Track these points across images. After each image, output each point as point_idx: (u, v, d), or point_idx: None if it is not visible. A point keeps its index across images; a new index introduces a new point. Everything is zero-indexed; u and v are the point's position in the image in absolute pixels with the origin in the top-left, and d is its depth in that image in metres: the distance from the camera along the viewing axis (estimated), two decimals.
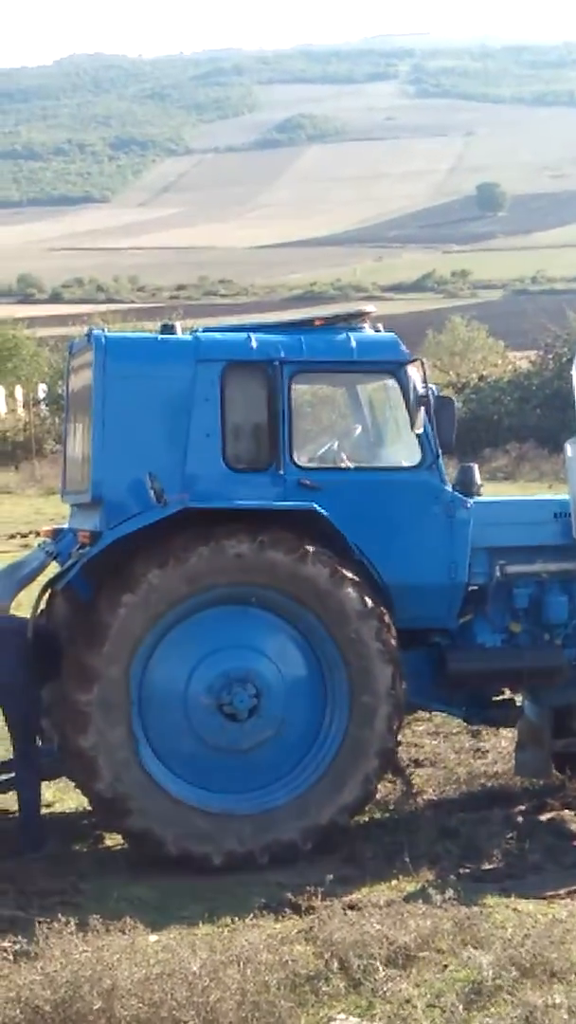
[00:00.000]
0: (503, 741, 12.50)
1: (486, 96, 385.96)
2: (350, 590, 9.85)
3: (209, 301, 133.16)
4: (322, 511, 9.92)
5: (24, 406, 53.24)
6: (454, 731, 13.09)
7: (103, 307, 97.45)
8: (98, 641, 9.61)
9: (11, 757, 10.46)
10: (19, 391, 55.38)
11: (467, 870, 9.57)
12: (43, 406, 52.43)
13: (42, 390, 54.49)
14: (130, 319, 70.85)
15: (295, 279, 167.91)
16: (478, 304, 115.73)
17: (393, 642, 9.94)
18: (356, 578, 9.91)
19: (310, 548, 9.80)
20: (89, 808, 10.48)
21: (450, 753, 12.58)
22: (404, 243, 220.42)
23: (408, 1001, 7.20)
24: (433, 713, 12.56)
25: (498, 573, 10.83)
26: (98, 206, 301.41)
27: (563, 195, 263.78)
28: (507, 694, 11.27)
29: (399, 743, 10.37)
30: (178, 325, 10.78)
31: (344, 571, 9.86)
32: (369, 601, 9.89)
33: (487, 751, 12.57)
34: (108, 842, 10.44)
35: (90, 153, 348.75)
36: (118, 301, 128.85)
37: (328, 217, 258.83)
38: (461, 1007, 7.12)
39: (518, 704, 11.27)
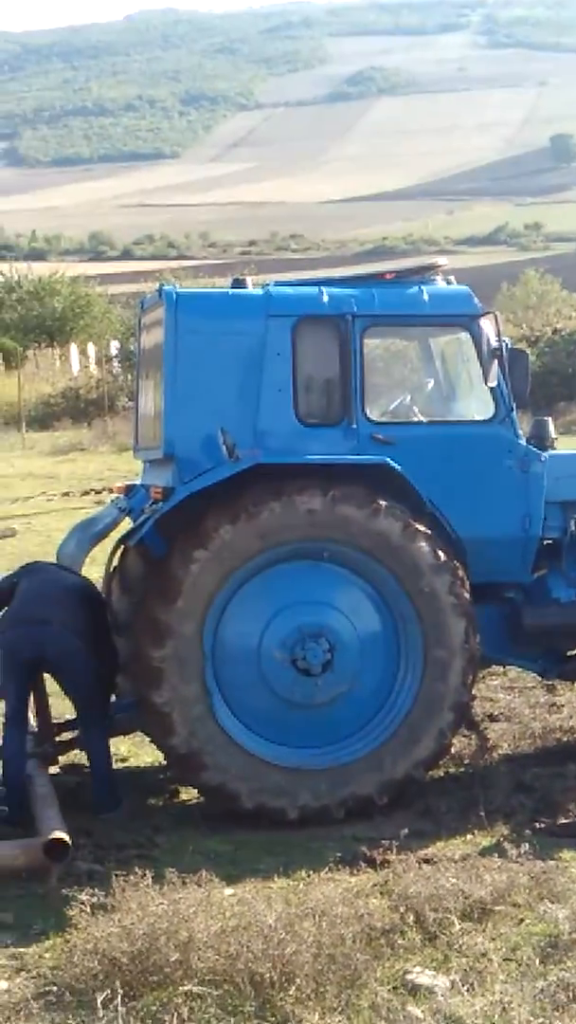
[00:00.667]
0: None
1: (559, 45, 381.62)
2: (423, 544, 9.81)
3: (280, 256, 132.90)
4: (395, 465, 9.87)
5: (96, 363, 53.38)
6: (529, 685, 13.04)
7: (174, 263, 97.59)
8: (171, 597, 9.63)
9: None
10: (91, 348, 55.52)
11: (542, 824, 9.52)
12: (115, 363, 52.48)
13: (114, 347, 54.52)
14: (201, 275, 70.77)
15: (366, 233, 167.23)
16: (551, 257, 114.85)
17: (467, 595, 9.90)
18: (429, 532, 9.87)
19: (382, 502, 9.76)
20: (164, 763, 10.53)
21: (525, 708, 12.53)
22: (476, 196, 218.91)
23: (484, 955, 7.18)
24: (507, 667, 12.52)
25: (573, 527, 10.75)
26: (168, 162, 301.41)
27: None
28: None
29: (473, 697, 10.33)
30: (249, 280, 10.73)
31: (417, 525, 9.81)
32: (442, 555, 9.84)
33: (562, 706, 12.51)
34: (183, 796, 10.48)
35: (160, 109, 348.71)
36: (189, 257, 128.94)
37: (399, 171, 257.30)
38: (537, 961, 7.10)
39: None
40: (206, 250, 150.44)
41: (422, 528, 9.82)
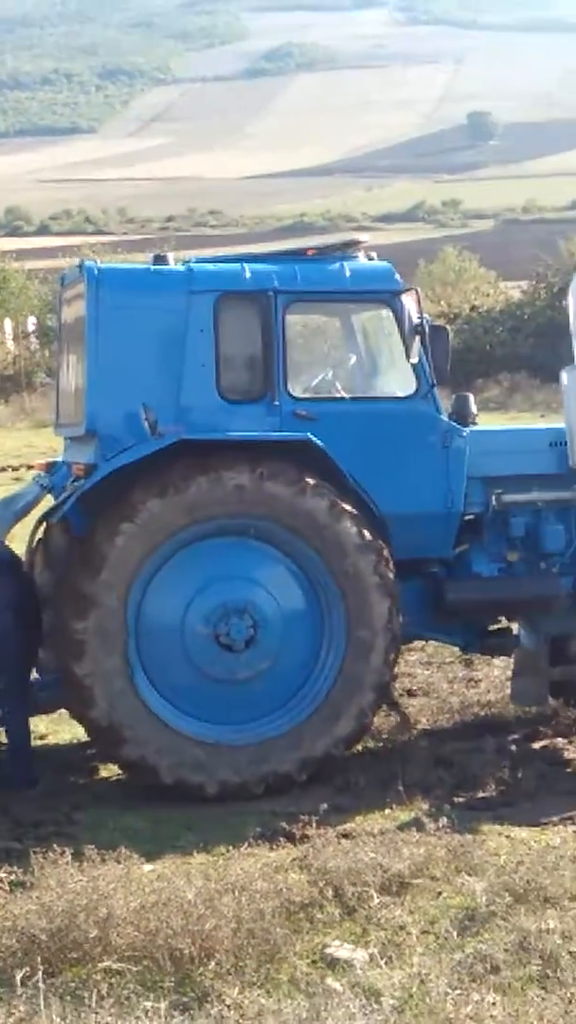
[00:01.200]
0: (496, 670, 12.54)
1: (476, 23, 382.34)
2: (348, 523, 9.83)
3: (199, 232, 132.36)
4: (317, 441, 9.88)
5: (13, 339, 52.98)
6: (447, 661, 13.12)
7: (92, 239, 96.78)
8: (95, 569, 9.60)
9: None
10: (8, 324, 55.07)
11: (461, 798, 9.62)
12: (33, 339, 52.15)
13: (31, 323, 54.17)
14: (119, 251, 70.34)
15: (284, 209, 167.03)
16: (469, 234, 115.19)
17: (391, 576, 9.94)
18: (355, 511, 9.90)
19: (310, 481, 9.77)
20: (84, 740, 10.50)
21: (443, 683, 12.61)
22: (394, 173, 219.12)
23: (402, 928, 7.24)
24: (426, 643, 12.59)
25: (494, 502, 10.82)
26: (85, 137, 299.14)
27: (554, 123, 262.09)
28: (504, 623, 11.28)
29: (395, 676, 10.39)
30: (170, 256, 10.70)
31: (343, 504, 9.84)
32: (367, 534, 9.88)
33: (480, 680, 12.61)
34: (103, 773, 10.47)
35: (77, 83, 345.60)
36: (107, 233, 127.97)
37: (317, 147, 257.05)
38: (455, 933, 7.16)
39: (515, 633, 11.28)
40: (124, 225, 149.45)
41: (348, 507, 9.85)
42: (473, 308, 51.05)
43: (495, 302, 52.39)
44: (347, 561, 9.85)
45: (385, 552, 9.96)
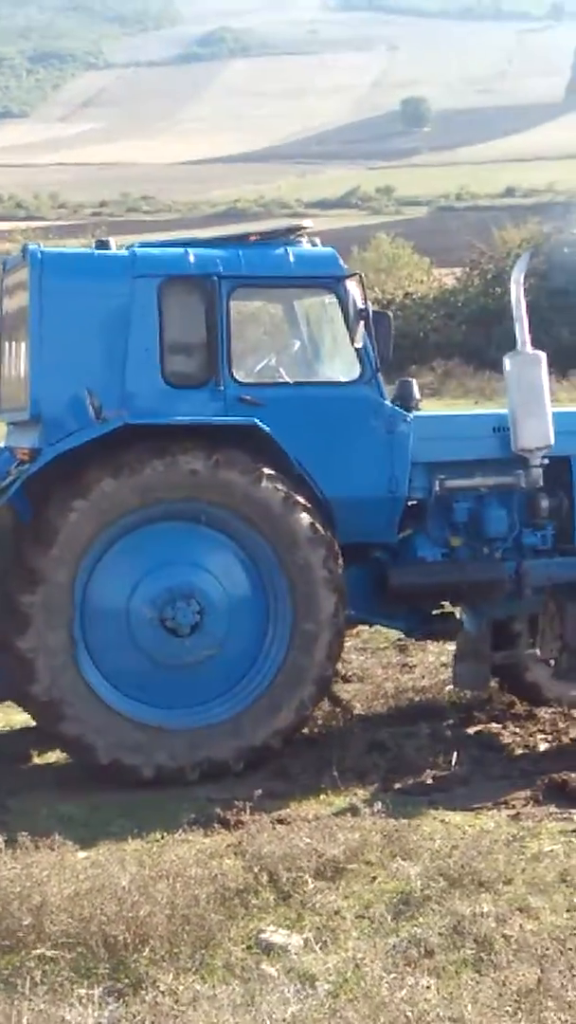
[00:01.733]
0: (430, 656, 12.59)
1: (410, 9, 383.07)
2: (301, 515, 9.84)
3: (132, 218, 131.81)
4: (263, 426, 9.87)
5: None
6: (381, 646, 13.16)
7: (23, 224, 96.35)
8: (46, 544, 9.57)
9: None
10: None
11: (395, 783, 9.64)
12: None
13: None
14: (51, 236, 69.98)
15: (218, 195, 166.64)
16: (403, 221, 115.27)
17: (339, 571, 9.97)
18: (307, 504, 9.90)
19: (265, 470, 9.77)
20: (16, 728, 10.45)
21: (377, 668, 12.65)
22: (328, 159, 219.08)
23: (337, 913, 7.24)
24: (360, 629, 12.61)
25: (437, 488, 10.83)
26: (17, 121, 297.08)
27: (488, 111, 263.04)
28: (447, 608, 11.30)
29: (337, 671, 10.41)
30: (112, 241, 10.66)
31: (297, 496, 9.85)
32: (320, 528, 9.89)
33: (415, 666, 12.65)
34: (36, 760, 10.42)
35: (8, 67, 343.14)
36: (39, 218, 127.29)
37: (251, 133, 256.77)
38: (390, 918, 7.17)
39: (458, 618, 11.31)
40: (56, 211, 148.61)
41: (302, 500, 9.85)
42: (407, 295, 51.18)
43: (429, 289, 52.57)
44: (298, 554, 9.86)
45: (335, 547, 9.98)
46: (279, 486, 9.82)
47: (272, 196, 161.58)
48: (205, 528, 9.99)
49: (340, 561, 10.01)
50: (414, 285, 53.49)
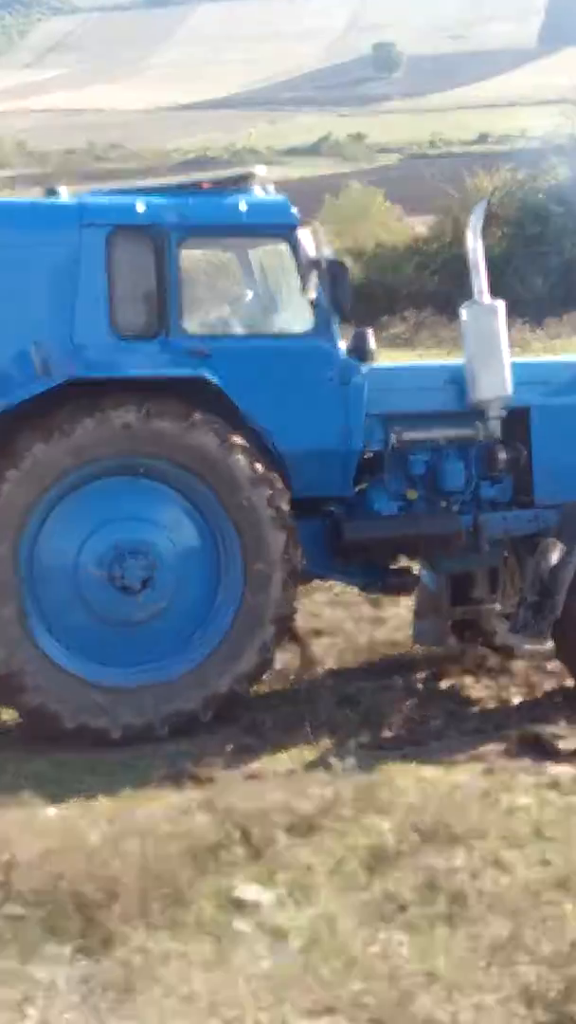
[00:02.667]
0: (402, 610, 12.53)
1: None
2: (240, 457, 9.75)
3: (100, 166, 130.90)
4: (212, 378, 9.77)
5: None
6: (353, 600, 13.11)
7: None
8: None
9: None
10: None
11: (368, 738, 9.63)
12: None
13: None
14: (19, 186, 69.47)
15: (188, 143, 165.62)
16: (375, 168, 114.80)
17: (286, 508, 9.88)
18: (246, 444, 9.81)
19: (198, 416, 9.67)
20: None
21: (349, 622, 12.60)
22: (298, 105, 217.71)
23: (309, 869, 7.22)
24: (332, 582, 12.56)
25: (394, 440, 10.73)
26: None
27: (460, 56, 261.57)
28: (404, 562, 11.23)
29: (295, 610, 10.35)
30: (63, 190, 10.52)
31: (234, 438, 9.75)
32: (260, 467, 9.81)
33: (387, 620, 12.61)
34: (4, 716, 10.36)
35: None
36: (5, 166, 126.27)
37: (220, 79, 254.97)
38: (362, 873, 7.17)
39: (415, 572, 11.26)
40: (23, 159, 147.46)
41: (239, 441, 9.76)
42: (379, 244, 50.94)
43: (401, 237, 52.30)
44: (241, 495, 9.78)
45: (279, 485, 9.90)
46: (214, 430, 9.71)
47: (243, 143, 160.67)
48: (146, 481, 9.91)
49: (287, 499, 9.93)
50: (387, 234, 53.24)
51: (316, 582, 12.19)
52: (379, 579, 11.06)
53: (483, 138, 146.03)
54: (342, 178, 77.15)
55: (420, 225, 53.74)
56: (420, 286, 46.65)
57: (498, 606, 10.99)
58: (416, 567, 11.30)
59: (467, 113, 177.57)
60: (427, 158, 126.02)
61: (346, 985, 5.88)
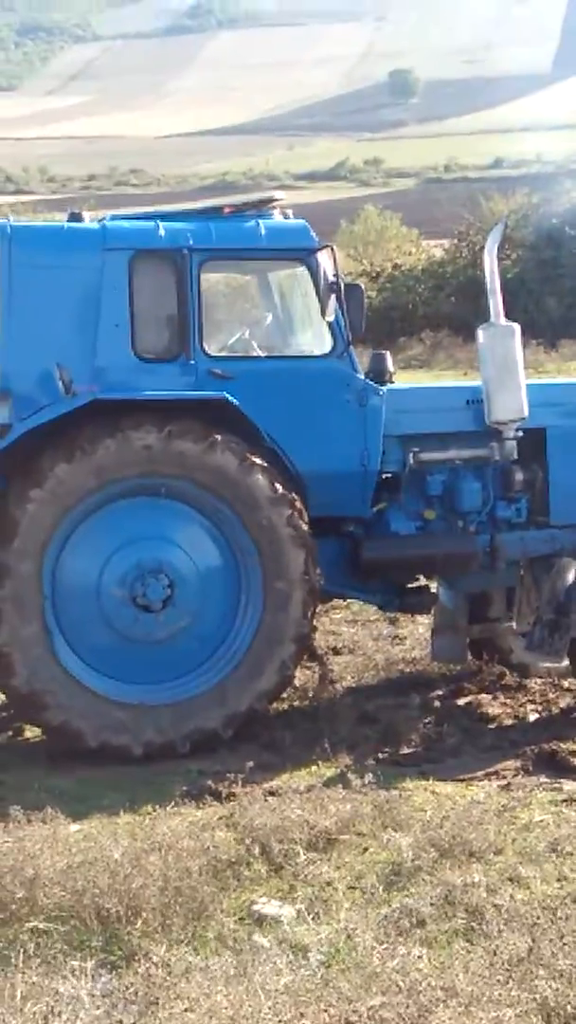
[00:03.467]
0: (420, 628, 12.59)
1: None
2: (260, 477, 9.82)
3: (121, 192, 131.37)
4: (233, 400, 9.86)
5: None
6: (372, 618, 13.16)
7: (12, 198, 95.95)
8: (8, 537, 9.55)
9: None
10: None
11: (386, 755, 9.68)
12: None
13: None
14: (40, 210, 69.70)
15: (207, 168, 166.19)
16: (391, 193, 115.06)
17: (305, 527, 9.94)
18: (265, 464, 9.88)
19: (218, 437, 9.75)
20: (6, 701, 10.44)
21: (368, 640, 12.66)
22: (316, 131, 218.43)
23: (329, 884, 7.28)
24: (350, 601, 12.62)
25: (411, 461, 10.80)
26: (5, 94, 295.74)
27: (475, 81, 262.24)
28: (422, 581, 11.29)
29: (315, 628, 10.41)
30: (86, 214, 10.61)
31: (253, 458, 9.82)
32: (279, 487, 9.87)
33: (405, 638, 12.66)
34: (28, 734, 10.42)
35: None
36: (28, 192, 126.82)
37: (238, 105, 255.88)
38: (381, 888, 7.21)
39: (433, 591, 11.32)
40: (45, 184, 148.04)
41: (258, 461, 9.83)
42: (395, 267, 51.04)
43: (417, 260, 52.37)
44: (260, 514, 9.84)
45: (298, 504, 9.95)
46: (234, 450, 9.78)
47: (260, 169, 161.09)
48: (167, 501, 9.97)
49: (305, 518, 9.97)
50: (402, 257, 53.32)
51: (335, 601, 12.28)
52: (397, 598, 11.12)
53: (498, 163, 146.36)
54: (359, 202, 77.32)
55: (436, 248, 53.79)
56: (436, 308, 46.74)
57: (514, 625, 11.04)
58: (434, 586, 11.35)
59: (483, 138, 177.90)
60: (442, 182, 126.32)
61: (365, 999, 5.89)
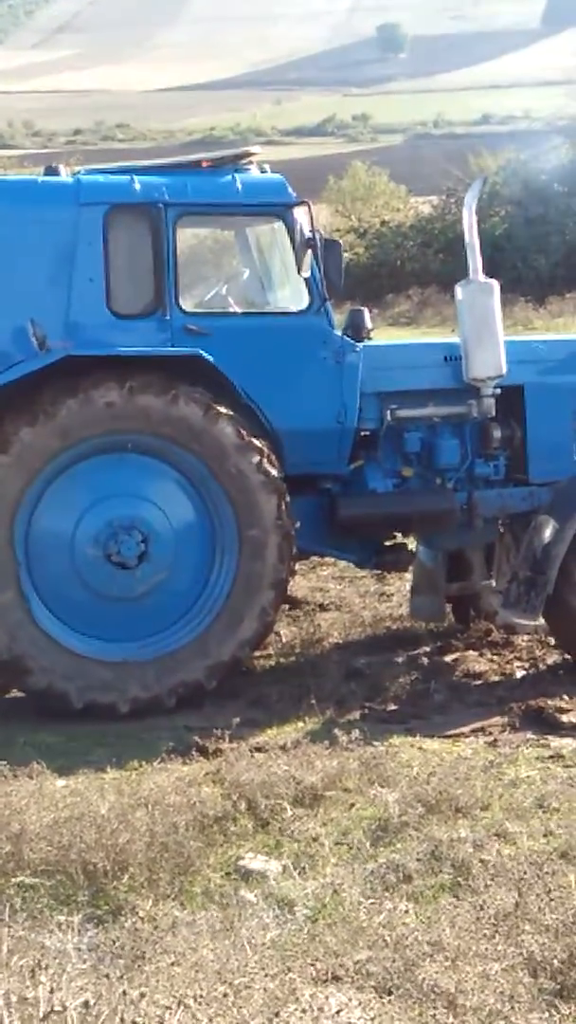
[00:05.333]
0: (407, 585, 12.58)
1: None
2: (225, 425, 9.77)
3: (107, 146, 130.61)
4: (208, 357, 9.80)
5: None
6: (358, 576, 13.16)
7: None
8: None
9: None
10: None
11: (372, 711, 9.70)
12: None
13: None
14: (26, 164, 69.25)
15: (193, 123, 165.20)
16: (379, 148, 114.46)
17: (275, 472, 9.90)
18: (231, 413, 9.83)
19: (181, 388, 9.70)
20: None
21: (355, 597, 12.67)
22: (303, 86, 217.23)
23: (315, 839, 7.28)
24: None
25: (389, 418, 10.76)
26: None
27: (463, 36, 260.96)
28: (400, 538, 11.27)
29: (293, 572, 10.38)
30: (62, 168, 10.52)
31: (218, 407, 9.77)
32: (245, 434, 9.82)
33: (391, 594, 12.67)
34: (13, 691, 10.41)
35: None
36: (13, 146, 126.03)
37: (226, 60, 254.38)
38: (368, 844, 7.22)
39: (411, 549, 11.30)
40: (30, 139, 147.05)
41: (224, 410, 9.77)
42: (383, 223, 50.84)
43: (405, 217, 52.19)
44: (228, 462, 9.80)
45: (266, 450, 9.91)
46: (198, 401, 9.73)
47: (248, 124, 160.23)
48: (135, 457, 9.92)
49: (275, 462, 9.94)
50: (390, 213, 53.11)
51: (323, 558, 12.26)
52: (374, 555, 11.10)
53: (486, 119, 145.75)
54: (346, 158, 76.96)
55: (424, 204, 53.59)
56: (424, 265, 46.58)
57: (493, 583, 11.04)
58: (412, 544, 11.33)
59: (471, 94, 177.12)
60: (431, 138, 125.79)
61: (352, 954, 5.91)
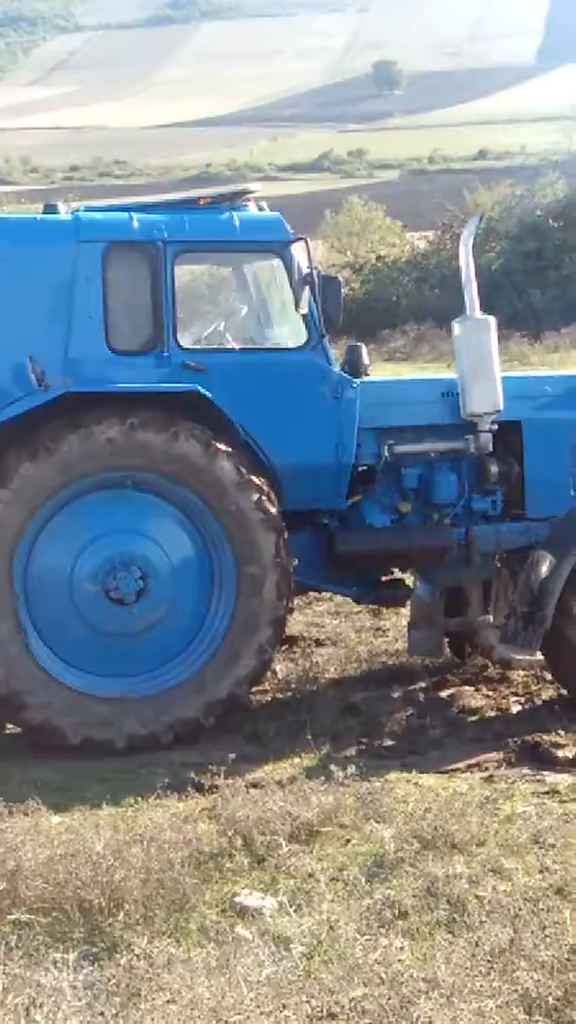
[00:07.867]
0: (403, 620, 12.57)
1: None
2: (225, 462, 9.80)
3: (104, 183, 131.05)
4: (206, 393, 9.84)
5: None
6: (355, 611, 13.17)
7: None
8: None
9: None
10: None
11: (368, 746, 9.69)
12: None
13: None
14: (24, 200, 69.52)
15: (190, 159, 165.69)
16: (375, 184, 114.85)
17: (274, 511, 9.92)
18: (230, 450, 9.86)
19: (181, 425, 9.73)
20: None
21: (351, 632, 12.67)
22: (299, 122, 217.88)
23: (311, 875, 7.28)
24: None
25: (386, 453, 10.80)
26: None
27: (459, 73, 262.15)
28: (397, 574, 11.29)
29: (291, 610, 10.40)
30: (60, 205, 10.58)
31: (218, 444, 9.80)
32: (245, 471, 9.85)
33: (387, 630, 12.67)
34: (9, 727, 10.40)
35: None
36: (11, 183, 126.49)
37: (222, 96, 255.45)
38: (363, 880, 7.21)
39: (408, 584, 11.32)
40: (28, 175, 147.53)
41: (223, 447, 9.80)
42: (379, 258, 51.00)
43: (401, 252, 52.36)
44: (228, 500, 9.83)
45: (266, 488, 9.94)
46: (198, 438, 9.76)
47: (244, 160, 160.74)
48: (134, 493, 9.95)
49: (274, 501, 9.95)
50: (386, 248, 53.27)
51: (319, 593, 12.26)
52: (372, 591, 11.11)
53: (482, 154, 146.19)
54: (343, 193, 77.22)
55: (420, 240, 53.78)
56: (419, 300, 46.69)
57: (491, 618, 11.05)
58: (409, 579, 11.35)
59: (467, 130, 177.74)
60: (427, 174, 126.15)
61: (347, 991, 5.91)
